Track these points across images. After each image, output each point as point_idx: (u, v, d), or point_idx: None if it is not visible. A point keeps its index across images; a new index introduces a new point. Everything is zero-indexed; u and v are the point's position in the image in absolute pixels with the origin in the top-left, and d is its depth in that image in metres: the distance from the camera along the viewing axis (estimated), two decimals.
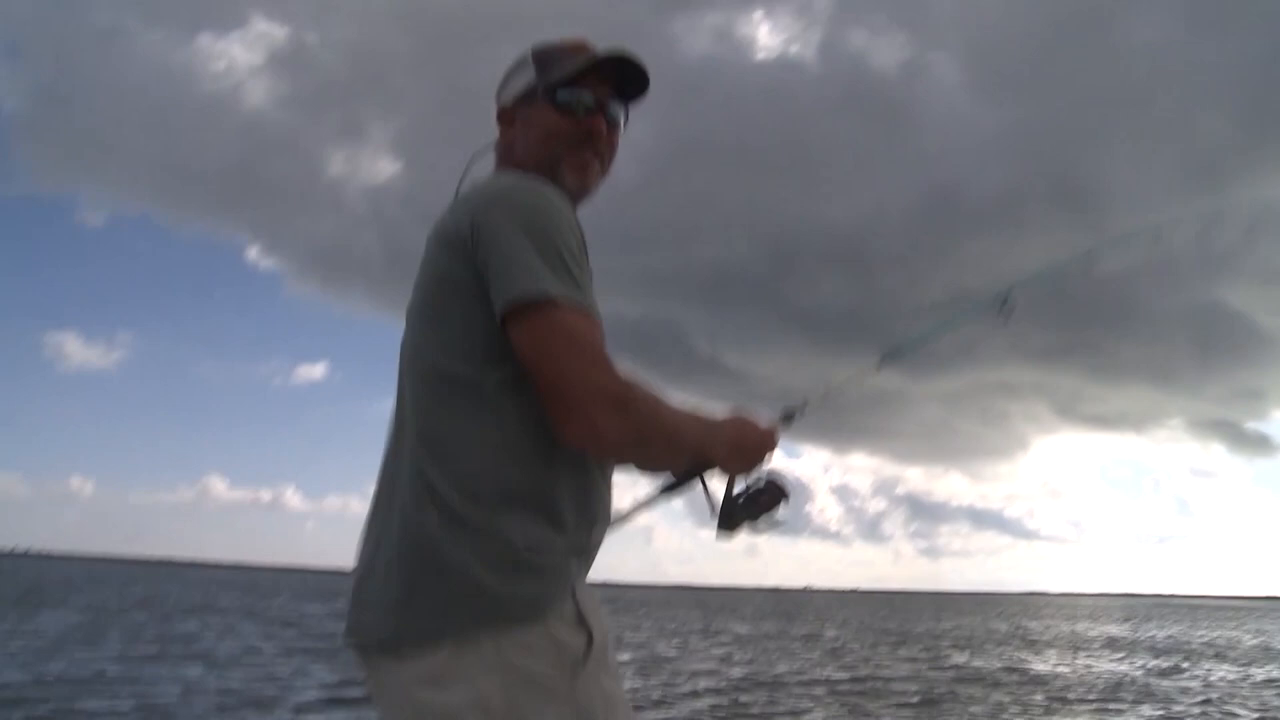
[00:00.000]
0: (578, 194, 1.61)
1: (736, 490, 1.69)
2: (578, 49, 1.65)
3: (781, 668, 17.48)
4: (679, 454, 1.53)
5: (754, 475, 1.68)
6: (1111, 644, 29.30)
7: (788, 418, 1.80)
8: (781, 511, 1.72)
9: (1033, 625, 44.17)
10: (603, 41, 1.65)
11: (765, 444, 1.65)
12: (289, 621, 26.84)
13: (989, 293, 2.00)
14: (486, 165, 1.72)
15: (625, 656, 18.73)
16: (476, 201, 1.49)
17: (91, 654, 15.35)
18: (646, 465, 1.58)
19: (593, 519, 1.52)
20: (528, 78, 1.65)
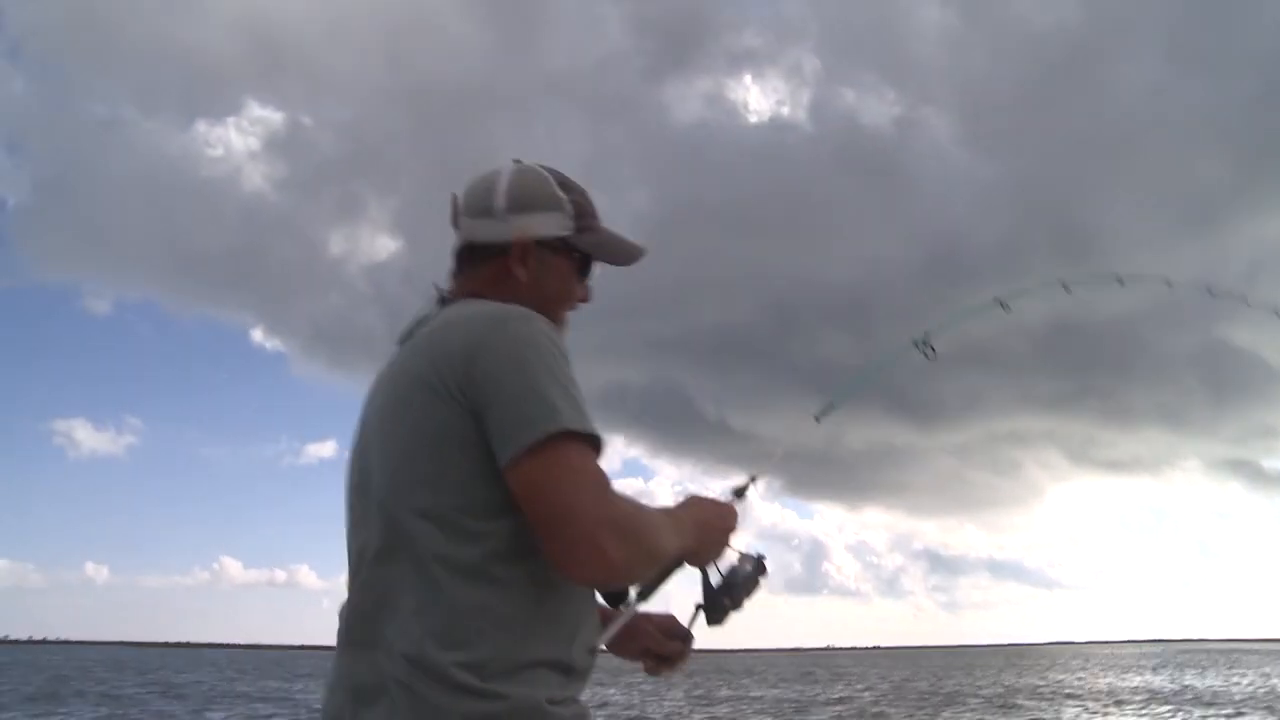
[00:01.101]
0: None
1: (715, 578, 1.66)
2: (594, 211, 1.65)
3: None
4: (668, 560, 1.50)
5: (725, 557, 1.64)
6: (1176, 698, 28.70)
7: (740, 492, 1.78)
8: (762, 586, 1.70)
9: (1068, 678, 43.31)
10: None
11: (728, 522, 1.63)
12: (315, 708, 26.48)
13: (910, 337, 2.22)
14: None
15: None
16: (467, 339, 1.42)
17: None
18: (640, 582, 1.53)
19: (593, 652, 1.50)
20: (562, 224, 1.59)
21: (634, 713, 24.22)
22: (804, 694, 32.17)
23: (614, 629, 1.61)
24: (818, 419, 2.04)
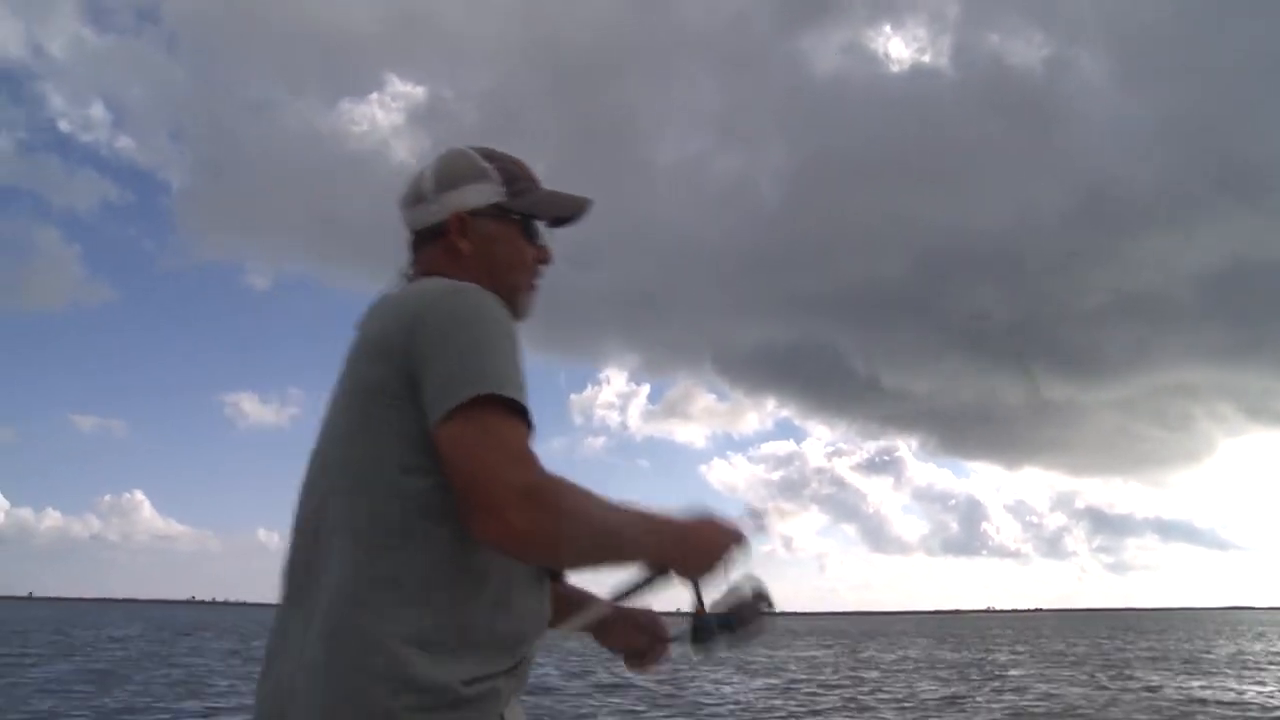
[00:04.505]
0: (522, 317, 1.64)
1: (714, 605, 1.62)
2: (529, 175, 1.69)
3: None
4: (614, 551, 1.47)
5: (725, 584, 1.60)
6: None
7: (758, 517, 1.69)
8: (765, 628, 1.65)
9: (1263, 647, 40.65)
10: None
11: (724, 539, 1.58)
12: None
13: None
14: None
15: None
16: (414, 306, 1.46)
17: None
18: (574, 562, 1.50)
19: (523, 635, 1.47)
20: (492, 192, 1.64)
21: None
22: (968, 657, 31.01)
23: (581, 619, 1.64)
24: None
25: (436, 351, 1.40)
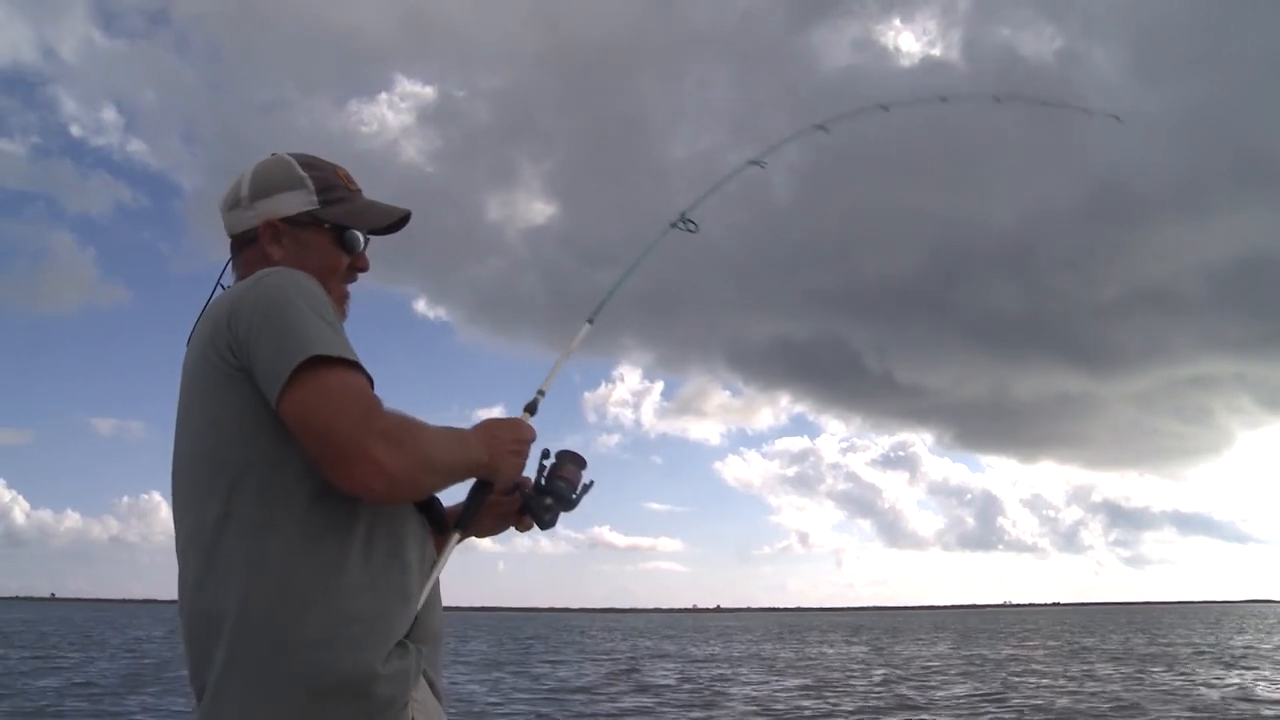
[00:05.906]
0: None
1: (535, 481, 1.76)
2: (347, 180, 1.74)
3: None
4: (453, 470, 1.56)
5: (535, 468, 1.74)
6: None
7: (530, 409, 1.84)
8: (586, 477, 1.78)
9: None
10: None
11: (520, 433, 1.70)
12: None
13: (668, 220, 2.30)
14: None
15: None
16: (227, 305, 1.51)
17: None
18: (434, 488, 1.58)
19: (412, 594, 1.52)
20: (305, 200, 1.68)
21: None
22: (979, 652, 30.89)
23: (445, 559, 1.65)
24: (591, 321, 2.10)
25: (257, 336, 1.44)
